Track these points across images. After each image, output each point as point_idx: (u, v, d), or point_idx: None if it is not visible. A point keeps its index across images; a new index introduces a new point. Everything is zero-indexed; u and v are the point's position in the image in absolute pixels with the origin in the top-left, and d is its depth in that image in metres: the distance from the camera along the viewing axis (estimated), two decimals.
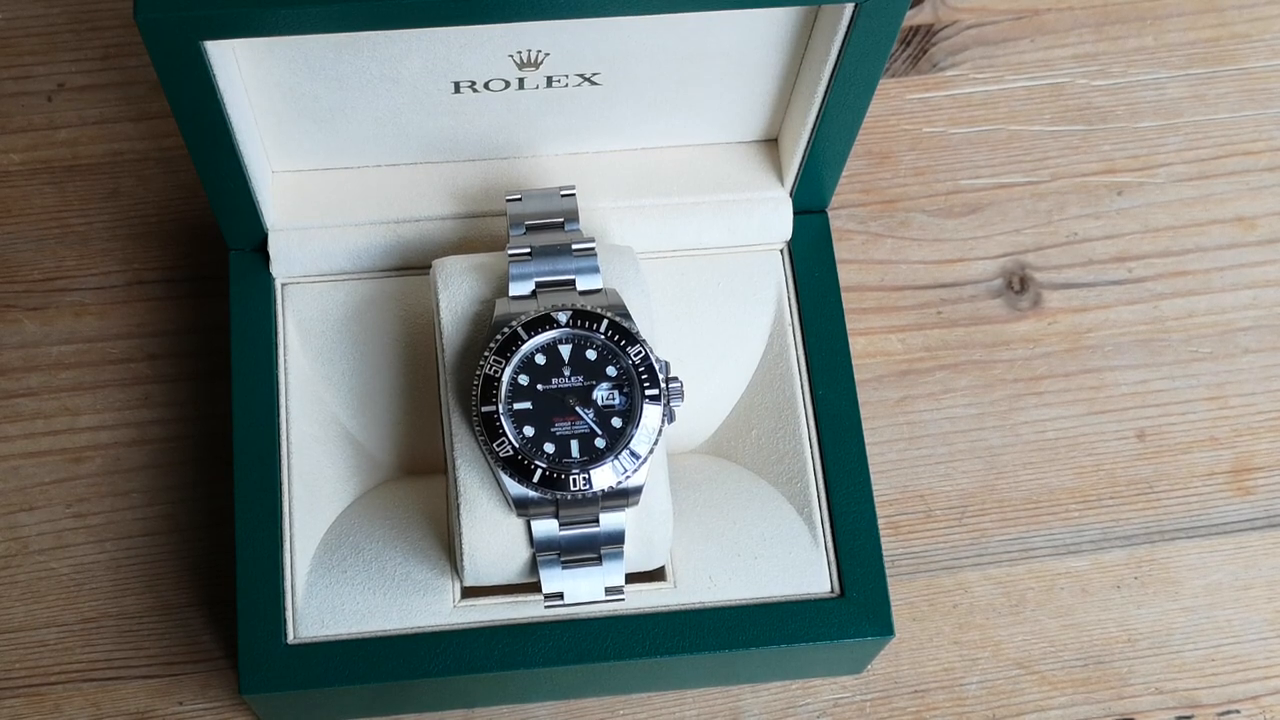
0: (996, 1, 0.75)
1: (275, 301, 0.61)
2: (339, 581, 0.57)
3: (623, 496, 0.54)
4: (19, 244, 0.68)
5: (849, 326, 0.63)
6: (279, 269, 0.61)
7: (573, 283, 0.56)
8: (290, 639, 0.56)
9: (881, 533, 0.59)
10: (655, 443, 0.54)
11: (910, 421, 0.67)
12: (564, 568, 0.55)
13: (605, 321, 0.55)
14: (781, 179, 0.62)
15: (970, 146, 0.73)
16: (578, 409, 0.54)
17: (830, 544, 0.58)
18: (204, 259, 0.68)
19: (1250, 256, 0.71)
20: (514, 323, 0.54)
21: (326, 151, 0.60)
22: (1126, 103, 0.74)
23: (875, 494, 0.60)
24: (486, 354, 0.54)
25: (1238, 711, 0.63)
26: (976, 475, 0.66)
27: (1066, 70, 0.74)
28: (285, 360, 0.60)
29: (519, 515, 0.54)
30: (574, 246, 0.56)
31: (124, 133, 0.70)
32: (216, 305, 0.67)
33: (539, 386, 0.54)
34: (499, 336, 0.54)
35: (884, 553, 0.59)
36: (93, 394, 0.66)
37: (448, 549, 0.58)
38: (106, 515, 0.64)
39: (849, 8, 0.52)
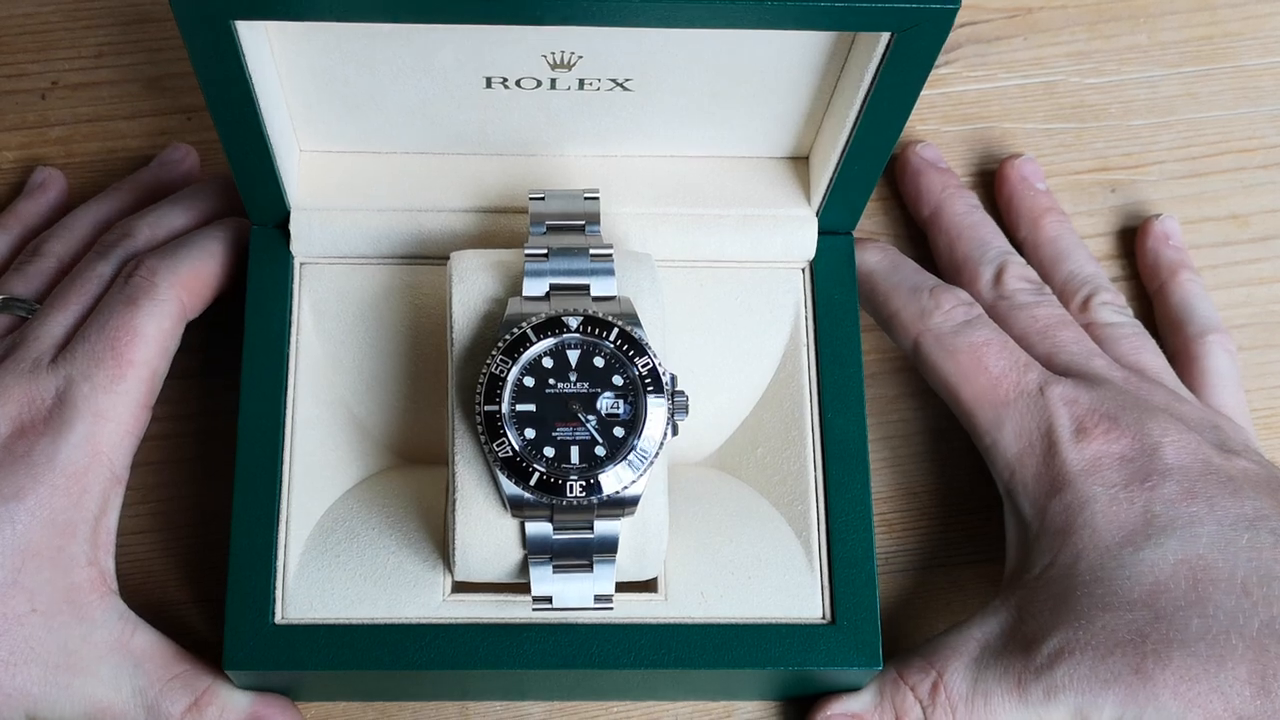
0: None
1: (293, 280, 0.61)
2: (331, 565, 0.57)
3: (619, 506, 0.54)
4: None
5: None
6: (299, 248, 0.61)
7: (587, 287, 0.55)
8: (278, 619, 0.56)
9: (876, 530, 0.58)
10: (656, 455, 0.54)
11: (905, 418, 0.67)
12: (555, 571, 0.55)
13: (615, 330, 0.54)
14: (809, 198, 0.62)
15: (964, 144, 0.72)
16: (580, 415, 0.54)
17: (825, 570, 0.58)
18: None
19: (1243, 254, 0.71)
20: (524, 324, 0.54)
21: (355, 135, 0.60)
22: (1120, 100, 0.73)
23: (870, 491, 0.59)
24: (494, 353, 0.54)
25: None
26: (971, 472, 0.65)
27: (1060, 68, 0.74)
28: (298, 339, 0.60)
29: (514, 516, 0.54)
30: (591, 251, 0.56)
31: (117, 131, 0.70)
32: (212, 305, 0.66)
33: (544, 390, 0.54)
34: (508, 336, 0.54)
35: (878, 550, 0.58)
36: None
37: (442, 542, 0.57)
38: None
39: (887, 34, 0.51)
